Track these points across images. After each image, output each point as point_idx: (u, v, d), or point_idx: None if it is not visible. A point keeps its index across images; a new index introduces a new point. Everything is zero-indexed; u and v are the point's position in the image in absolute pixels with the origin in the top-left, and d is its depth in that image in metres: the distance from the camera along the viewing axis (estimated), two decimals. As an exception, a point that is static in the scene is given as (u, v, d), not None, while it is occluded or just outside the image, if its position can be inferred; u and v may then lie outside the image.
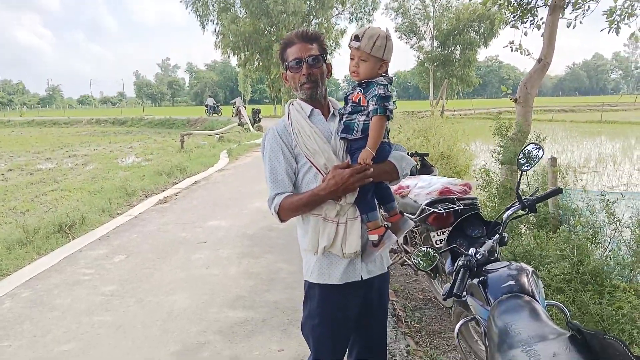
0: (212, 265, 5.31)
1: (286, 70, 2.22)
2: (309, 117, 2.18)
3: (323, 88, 2.24)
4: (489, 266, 2.50)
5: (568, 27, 7.23)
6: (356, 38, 2.09)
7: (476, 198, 4.41)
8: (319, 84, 2.21)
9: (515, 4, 7.44)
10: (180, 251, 5.83)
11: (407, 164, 2.22)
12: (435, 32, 46.77)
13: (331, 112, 2.25)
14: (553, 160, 5.67)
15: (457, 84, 47.03)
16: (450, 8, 47.40)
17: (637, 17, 7.03)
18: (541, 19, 7.48)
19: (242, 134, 22.77)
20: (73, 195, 9.45)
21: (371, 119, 2.08)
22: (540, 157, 2.63)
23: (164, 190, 9.66)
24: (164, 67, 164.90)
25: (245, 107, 28.17)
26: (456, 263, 2.51)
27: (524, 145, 2.68)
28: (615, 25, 6.99)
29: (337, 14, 40.95)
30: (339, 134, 2.15)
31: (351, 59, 2.15)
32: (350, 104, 2.15)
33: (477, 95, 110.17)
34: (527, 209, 2.61)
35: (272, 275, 5.00)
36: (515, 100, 7.38)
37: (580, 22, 7.48)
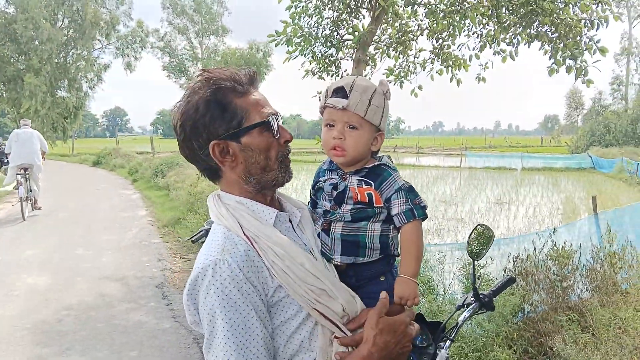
0: (-17, 392, 3.68)
1: (239, 137, 1.28)
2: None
3: None
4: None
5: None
6: (339, 92, 1.34)
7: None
8: None
9: (320, 56, 7.46)
10: None
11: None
12: (205, 73, 46.92)
13: (287, 213, 1.39)
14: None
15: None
16: (218, 51, 48.36)
17: (416, 75, 7.78)
18: (345, 71, 7.67)
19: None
20: None
21: (399, 228, 1.36)
22: (492, 239, 2.23)
23: None
24: None
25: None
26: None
27: (472, 230, 2.24)
28: (400, 81, 7.64)
29: (100, 47, 37.84)
30: (336, 258, 1.35)
31: (328, 126, 1.39)
32: (351, 205, 1.36)
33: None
34: (484, 307, 2.17)
35: (84, 395, 3.66)
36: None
37: (369, 79, 7.98)
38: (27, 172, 10.55)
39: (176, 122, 1.30)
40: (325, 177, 1.45)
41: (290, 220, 1.36)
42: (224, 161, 1.30)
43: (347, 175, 1.40)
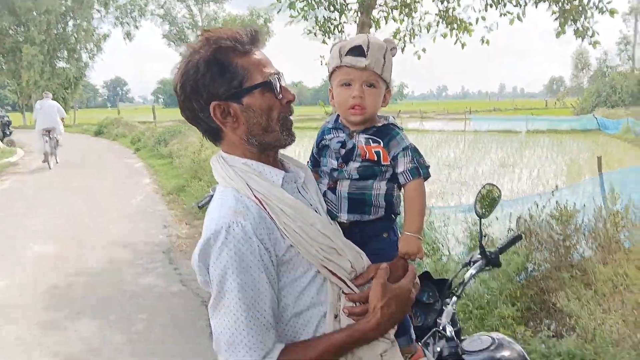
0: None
1: (240, 97, 1.25)
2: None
3: None
4: (466, 345, 2.00)
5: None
6: (357, 51, 1.34)
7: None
8: None
9: (324, 20, 7.33)
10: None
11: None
12: (205, 40, 46.40)
13: (292, 174, 1.37)
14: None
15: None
16: (218, 18, 47.71)
17: (420, 37, 7.65)
18: (348, 35, 7.55)
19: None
20: None
21: (403, 185, 1.37)
22: (499, 198, 2.23)
23: None
24: None
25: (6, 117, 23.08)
26: (435, 352, 1.94)
27: (480, 189, 2.25)
28: (403, 45, 7.52)
29: (99, 17, 37.38)
30: (342, 215, 1.37)
31: (345, 85, 1.37)
32: (359, 163, 1.37)
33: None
34: (490, 264, 2.19)
35: (96, 357, 3.75)
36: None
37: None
38: (50, 133, 13.51)
39: (176, 83, 1.28)
40: (332, 135, 1.45)
41: (294, 181, 1.36)
42: (225, 122, 1.28)
43: (355, 134, 1.41)
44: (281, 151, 1.39)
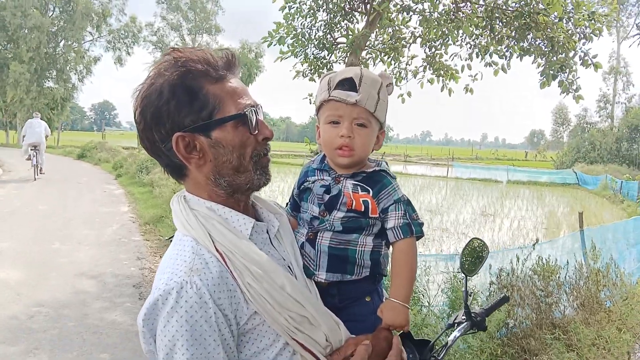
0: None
1: (209, 130, 1.09)
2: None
3: None
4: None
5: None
6: (348, 84, 1.20)
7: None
8: None
9: (313, 58, 7.37)
10: None
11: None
12: (196, 70, 46.67)
13: (264, 223, 1.23)
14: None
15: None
16: (211, 49, 48.25)
17: (407, 81, 7.74)
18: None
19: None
20: None
21: (392, 244, 1.23)
22: (486, 256, 2.12)
23: None
24: None
25: None
26: None
27: (466, 244, 2.14)
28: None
29: (91, 40, 37.47)
30: (320, 274, 1.21)
31: (333, 123, 1.24)
32: (344, 213, 1.22)
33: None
34: (475, 327, 2.06)
35: (50, 398, 3.49)
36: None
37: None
38: (36, 148, 15.47)
39: (136, 107, 1.12)
40: (316, 178, 1.29)
41: (267, 231, 1.20)
42: (189, 158, 1.11)
43: (342, 178, 1.26)
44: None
